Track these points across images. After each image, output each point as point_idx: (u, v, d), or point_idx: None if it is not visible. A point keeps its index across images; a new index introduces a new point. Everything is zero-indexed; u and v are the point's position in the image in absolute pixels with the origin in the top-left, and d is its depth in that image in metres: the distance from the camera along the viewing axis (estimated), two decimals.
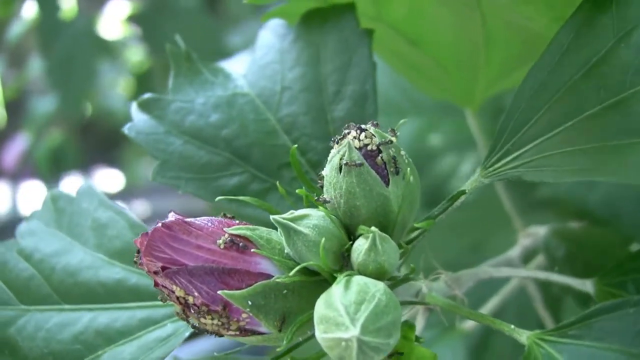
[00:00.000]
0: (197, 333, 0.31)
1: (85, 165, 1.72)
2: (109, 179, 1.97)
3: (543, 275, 0.39)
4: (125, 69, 1.59)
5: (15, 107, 1.62)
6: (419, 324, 0.37)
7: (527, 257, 0.50)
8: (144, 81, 1.48)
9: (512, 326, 0.30)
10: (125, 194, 1.81)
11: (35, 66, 1.52)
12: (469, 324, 0.56)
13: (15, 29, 1.49)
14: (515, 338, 0.30)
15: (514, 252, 0.48)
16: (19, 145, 1.64)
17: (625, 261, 0.38)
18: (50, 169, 1.55)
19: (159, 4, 1.31)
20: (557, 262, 0.47)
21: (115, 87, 1.62)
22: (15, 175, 1.69)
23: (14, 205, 1.79)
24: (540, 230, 0.50)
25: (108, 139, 1.67)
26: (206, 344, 0.76)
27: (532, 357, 0.28)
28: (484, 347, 0.58)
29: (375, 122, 0.30)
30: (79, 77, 1.32)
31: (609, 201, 0.57)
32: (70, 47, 1.31)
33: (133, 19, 1.48)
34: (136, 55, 1.60)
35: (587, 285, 0.38)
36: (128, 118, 0.38)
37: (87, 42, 1.35)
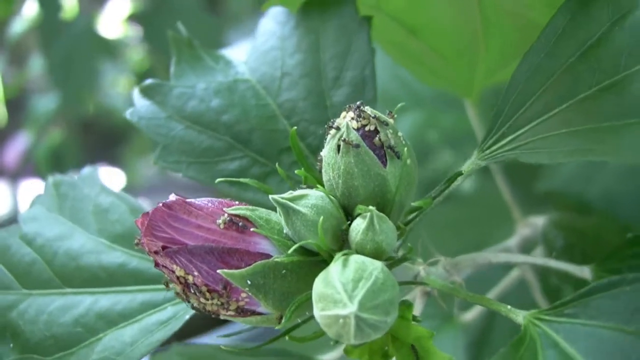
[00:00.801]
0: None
1: (86, 164, 1.71)
2: (109, 178, 1.97)
3: (541, 261, 0.39)
4: (126, 68, 1.59)
5: (16, 105, 1.63)
6: (417, 309, 0.37)
7: (526, 248, 0.50)
8: (144, 80, 1.47)
9: (509, 306, 0.30)
10: (126, 193, 1.81)
11: (36, 65, 1.53)
12: (468, 316, 0.56)
13: (16, 28, 1.49)
14: (511, 319, 0.30)
15: (512, 241, 0.48)
16: (19, 144, 1.65)
17: (622, 247, 0.38)
18: (51, 167, 1.55)
19: (160, 3, 1.31)
20: (556, 252, 0.47)
21: (116, 86, 1.63)
22: (16, 174, 1.69)
23: (15, 204, 1.79)
24: (538, 221, 0.50)
25: (109, 137, 1.68)
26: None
27: (528, 336, 0.28)
28: (484, 339, 0.59)
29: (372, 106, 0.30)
30: (80, 76, 1.32)
31: (607, 195, 0.57)
32: (71, 46, 1.31)
33: (134, 18, 1.48)
34: (137, 54, 1.60)
35: (585, 272, 0.38)
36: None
37: (88, 41, 1.35)
